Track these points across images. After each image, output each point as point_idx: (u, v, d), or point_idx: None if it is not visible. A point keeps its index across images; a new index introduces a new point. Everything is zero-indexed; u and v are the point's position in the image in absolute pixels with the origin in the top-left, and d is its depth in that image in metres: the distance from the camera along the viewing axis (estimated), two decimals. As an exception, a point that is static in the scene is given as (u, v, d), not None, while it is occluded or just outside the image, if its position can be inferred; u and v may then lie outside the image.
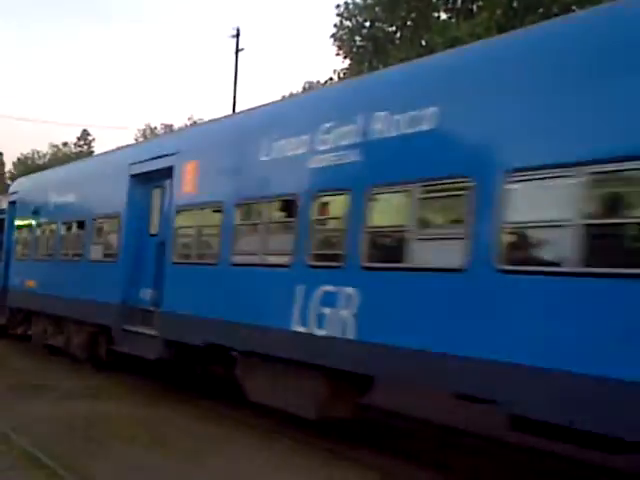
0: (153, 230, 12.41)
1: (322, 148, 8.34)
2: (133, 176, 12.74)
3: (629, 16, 5.84)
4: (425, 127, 7.04)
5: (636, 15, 5.77)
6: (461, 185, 6.61)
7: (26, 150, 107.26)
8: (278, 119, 9.71)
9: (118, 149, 16.60)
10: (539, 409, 5.79)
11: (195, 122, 62.65)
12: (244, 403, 10.08)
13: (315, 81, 50.42)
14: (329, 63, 77.10)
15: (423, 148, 7.10)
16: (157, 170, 11.96)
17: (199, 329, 10.28)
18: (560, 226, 5.71)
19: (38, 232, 17.01)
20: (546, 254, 6.00)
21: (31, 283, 16.83)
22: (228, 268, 9.85)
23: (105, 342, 13.35)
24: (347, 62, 33.54)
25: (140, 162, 12.66)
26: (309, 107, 9.48)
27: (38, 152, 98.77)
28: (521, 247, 6.21)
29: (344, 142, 8.01)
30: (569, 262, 5.63)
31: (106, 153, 17.20)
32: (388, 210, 7.66)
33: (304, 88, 50.98)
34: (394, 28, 32.12)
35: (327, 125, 8.30)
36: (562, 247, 5.73)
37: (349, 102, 8.39)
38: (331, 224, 8.63)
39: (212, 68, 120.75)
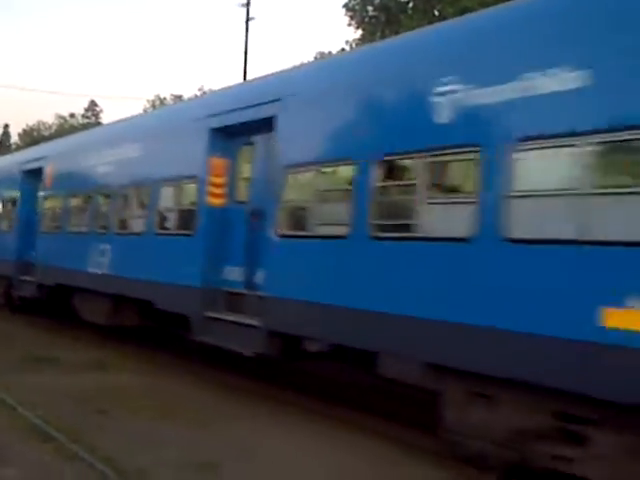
0: (38, 209, 18.02)
1: (105, 161, 13.93)
2: (24, 172, 18.32)
3: None
4: (137, 154, 12.64)
5: None
6: (149, 189, 12.21)
7: (32, 121, 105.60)
8: (88, 140, 15.34)
9: (17, 153, 22.30)
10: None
11: (205, 92, 58.52)
12: (241, 370, 11.36)
13: (327, 52, 49.16)
14: (341, 33, 77.74)
15: (137, 166, 12.69)
16: (35, 169, 17.52)
17: (53, 274, 15.84)
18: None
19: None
20: (169, 224, 11.68)
21: None
22: (66, 235, 15.47)
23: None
24: (359, 32, 33.30)
25: (27, 162, 18.28)
26: (102, 134, 15.04)
27: (44, 123, 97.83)
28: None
29: (111, 159, 13.62)
30: (173, 228, 11.30)
31: (12, 155, 22.95)
32: (125, 201, 13.28)
33: (315, 58, 49.61)
34: (406, -2, 30.93)
35: (108, 147, 13.90)
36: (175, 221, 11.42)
37: (117, 134, 13.98)
38: (103, 210, 14.14)
39: (222, 37, 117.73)
